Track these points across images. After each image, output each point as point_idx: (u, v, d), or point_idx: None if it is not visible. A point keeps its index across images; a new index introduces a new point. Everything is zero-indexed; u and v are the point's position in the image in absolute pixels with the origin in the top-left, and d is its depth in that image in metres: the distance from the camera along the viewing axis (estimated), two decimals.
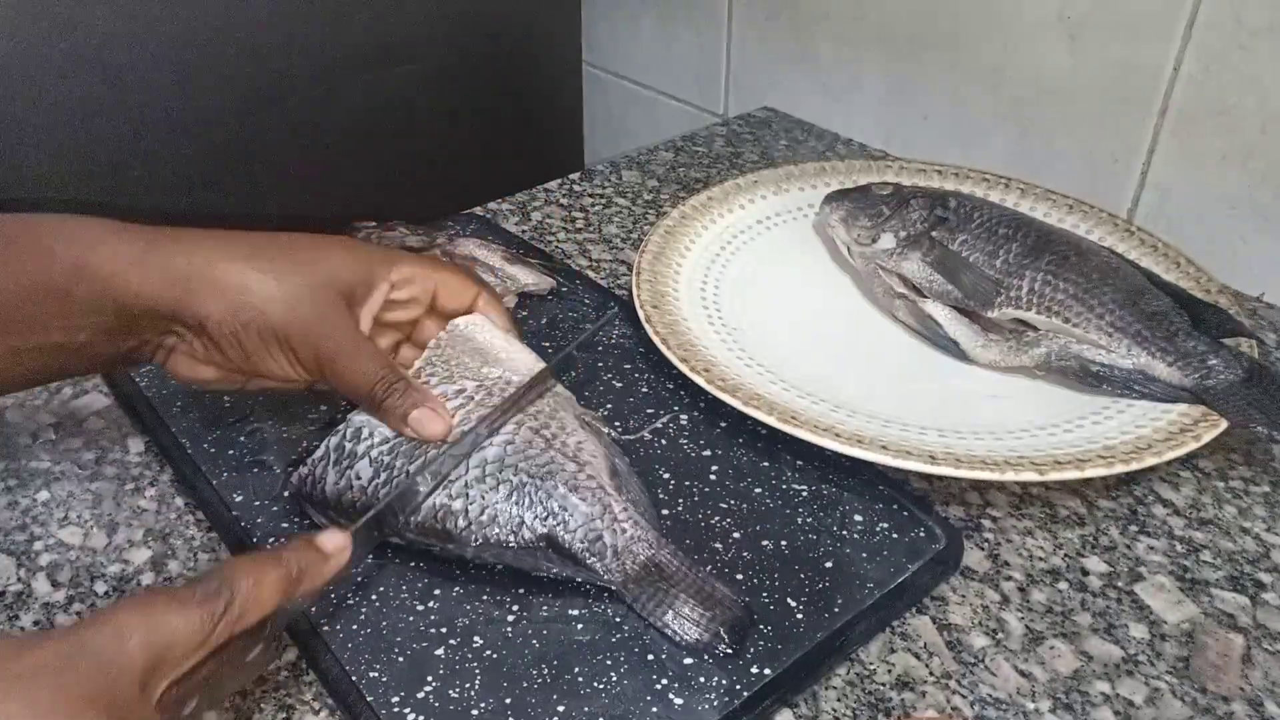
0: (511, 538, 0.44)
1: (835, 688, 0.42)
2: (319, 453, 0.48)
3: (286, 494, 0.49)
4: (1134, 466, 0.48)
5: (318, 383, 0.48)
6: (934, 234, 0.61)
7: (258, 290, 0.44)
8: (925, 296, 0.61)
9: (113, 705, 0.30)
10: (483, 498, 0.45)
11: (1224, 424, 0.51)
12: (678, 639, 0.42)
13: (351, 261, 0.47)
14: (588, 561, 0.44)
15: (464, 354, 0.50)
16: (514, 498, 0.45)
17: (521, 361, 0.50)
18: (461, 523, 0.45)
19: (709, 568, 0.46)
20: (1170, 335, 0.54)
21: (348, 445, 0.47)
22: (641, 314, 0.59)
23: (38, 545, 0.49)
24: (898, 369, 0.60)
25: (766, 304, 0.64)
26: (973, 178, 0.73)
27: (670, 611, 0.43)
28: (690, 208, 0.70)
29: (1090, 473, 0.47)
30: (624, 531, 0.44)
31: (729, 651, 0.41)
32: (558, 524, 0.44)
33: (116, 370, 0.58)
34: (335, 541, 0.39)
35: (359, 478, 0.46)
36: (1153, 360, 0.54)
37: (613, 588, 0.44)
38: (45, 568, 0.47)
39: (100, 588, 0.46)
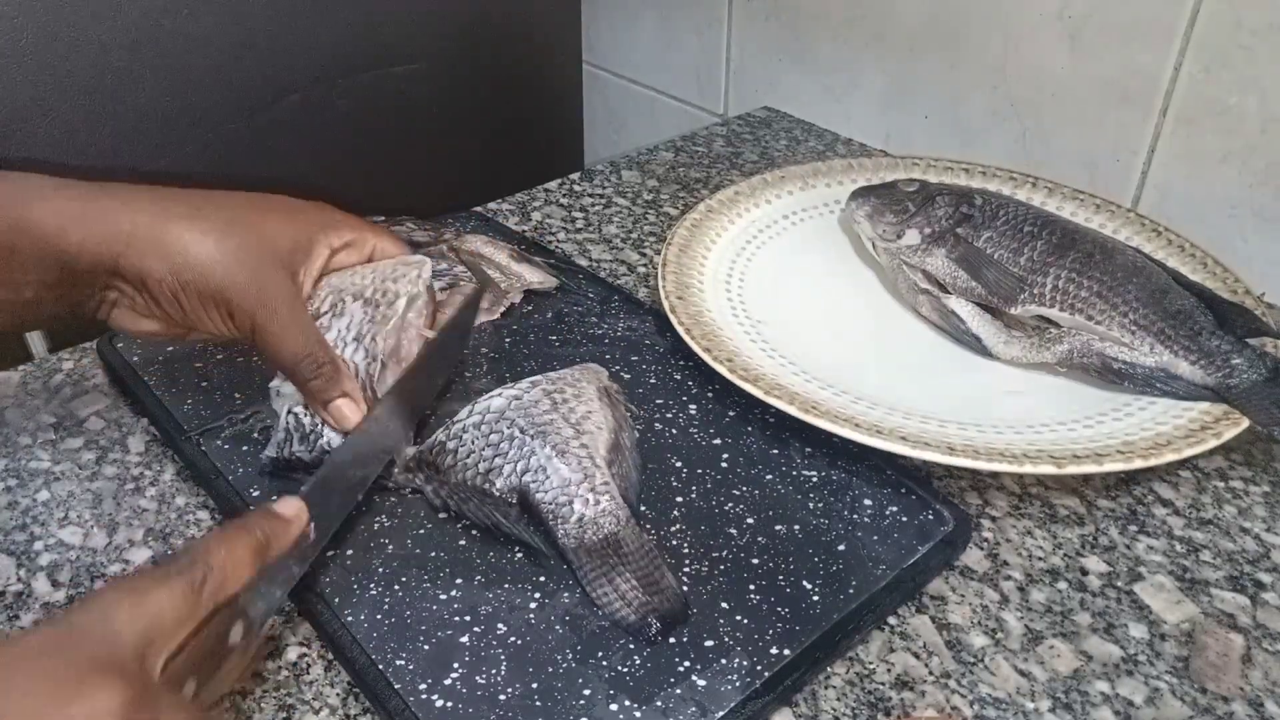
0: (487, 484, 0.46)
1: (835, 687, 0.42)
2: (280, 434, 0.50)
3: (267, 470, 0.51)
4: (1153, 462, 0.48)
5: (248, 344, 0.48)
6: (959, 230, 0.61)
7: (198, 252, 0.45)
8: (949, 292, 0.61)
9: (120, 672, 0.30)
10: (472, 442, 0.47)
11: (1245, 422, 0.51)
12: (606, 613, 0.43)
13: (291, 227, 0.48)
14: (549, 523, 0.45)
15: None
16: (501, 447, 0.47)
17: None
18: (449, 461, 0.47)
19: (725, 552, 0.47)
20: (1194, 334, 0.54)
21: (305, 421, 0.49)
22: (666, 304, 0.59)
23: (38, 545, 0.49)
24: (920, 364, 0.60)
25: (791, 297, 0.65)
26: (1000, 175, 0.73)
27: (609, 586, 0.44)
28: (717, 202, 0.70)
29: (1109, 467, 0.48)
30: (597, 503, 0.45)
31: (654, 639, 0.42)
32: (533, 480, 0.46)
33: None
34: (292, 506, 0.41)
35: (330, 445, 0.49)
36: (1175, 358, 0.54)
37: (567, 554, 0.45)
38: (45, 568, 0.47)
39: (100, 588, 0.46)
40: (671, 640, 0.42)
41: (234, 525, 0.38)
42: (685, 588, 0.44)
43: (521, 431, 0.47)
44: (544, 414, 0.48)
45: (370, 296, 0.50)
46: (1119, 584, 0.47)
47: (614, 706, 0.40)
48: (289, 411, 0.50)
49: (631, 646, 0.42)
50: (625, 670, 0.41)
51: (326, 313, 0.50)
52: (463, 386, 0.57)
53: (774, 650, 0.42)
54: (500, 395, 0.49)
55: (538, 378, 0.50)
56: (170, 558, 0.35)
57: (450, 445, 0.48)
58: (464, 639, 0.42)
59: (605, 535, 0.45)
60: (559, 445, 0.46)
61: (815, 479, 0.51)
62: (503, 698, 0.40)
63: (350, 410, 0.48)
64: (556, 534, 0.45)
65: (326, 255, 0.50)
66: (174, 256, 0.44)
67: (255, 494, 0.50)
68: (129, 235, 0.44)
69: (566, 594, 0.44)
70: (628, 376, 0.58)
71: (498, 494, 0.46)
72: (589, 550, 0.44)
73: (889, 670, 0.43)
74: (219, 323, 0.47)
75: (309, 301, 0.50)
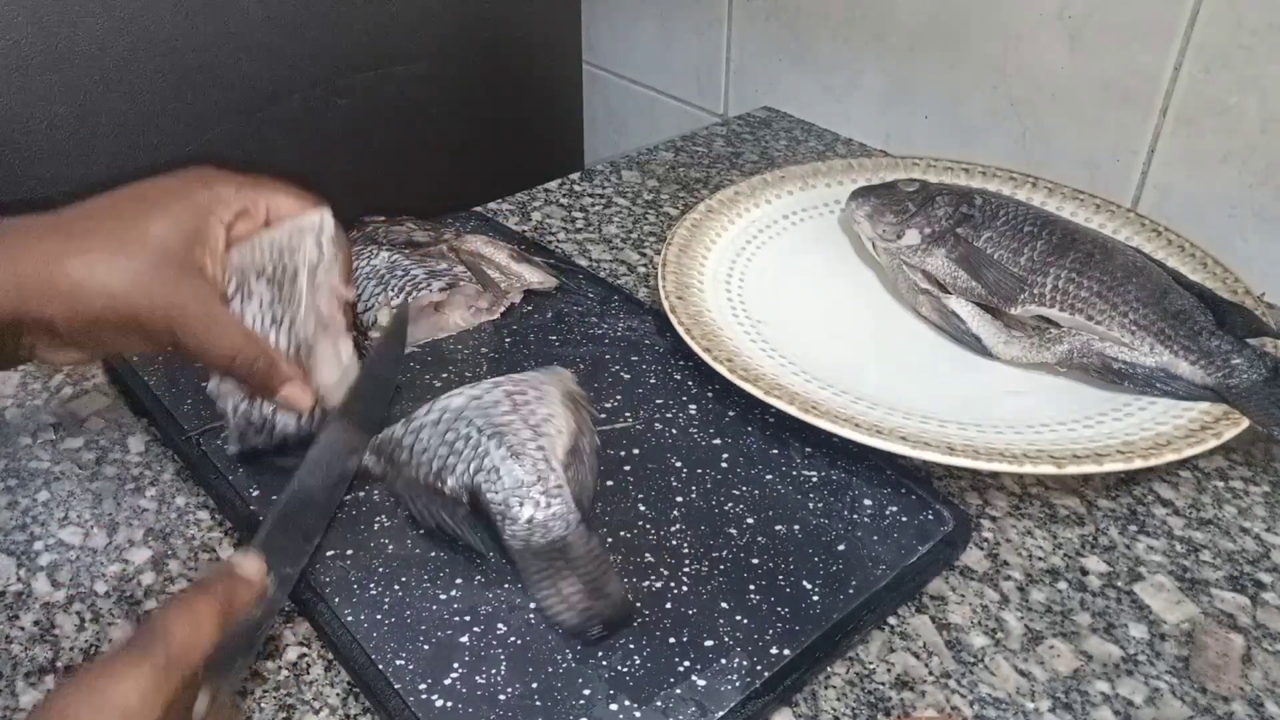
0: (439, 482, 0.46)
1: (835, 687, 0.42)
2: (234, 431, 0.50)
3: (239, 464, 0.51)
4: (1153, 462, 0.48)
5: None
6: (959, 231, 0.61)
7: (94, 285, 0.42)
8: (949, 292, 0.61)
9: None
10: (429, 439, 0.47)
11: (1245, 422, 0.51)
12: (547, 615, 0.43)
13: (178, 219, 0.45)
14: (498, 523, 0.45)
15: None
16: (456, 445, 0.46)
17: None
18: (404, 456, 0.47)
19: (725, 552, 0.47)
20: (1194, 334, 0.54)
21: (254, 415, 0.50)
22: (666, 304, 0.59)
23: (38, 545, 0.49)
24: (920, 364, 0.60)
25: (791, 298, 0.65)
26: (1000, 175, 0.73)
27: (552, 588, 0.43)
28: (717, 202, 0.71)
29: (1109, 467, 0.48)
30: (548, 506, 0.45)
31: (594, 640, 0.42)
32: (485, 480, 0.45)
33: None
34: (252, 564, 0.40)
35: (288, 430, 0.50)
36: (1175, 358, 0.54)
37: (511, 554, 0.45)
38: (45, 568, 0.47)
39: (100, 587, 0.46)
40: (671, 640, 0.42)
41: (194, 589, 0.37)
42: (685, 588, 0.44)
43: (479, 431, 0.46)
44: (503, 414, 0.47)
45: (273, 275, 0.49)
46: (1119, 584, 0.47)
47: (614, 706, 0.40)
48: (234, 408, 0.50)
49: (631, 646, 0.42)
50: (625, 670, 0.41)
51: (235, 295, 0.48)
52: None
53: (774, 650, 0.42)
54: (461, 394, 0.48)
55: (501, 378, 0.49)
56: (132, 636, 0.34)
57: (406, 441, 0.47)
58: (464, 639, 0.42)
59: (553, 539, 0.44)
60: (515, 446, 0.46)
61: (815, 479, 0.51)
62: (503, 698, 0.40)
63: (298, 393, 0.48)
64: (504, 534, 0.44)
65: (223, 233, 0.48)
66: (72, 298, 0.42)
67: (255, 493, 0.50)
68: (18, 285, 0.41)
69: None
70: (628, 377, 0.58)
71: (448, 493, 0.46)
72: (535, 553, 0.44)
73: (889, 670, 0.43)
74: (139, 344, 0.45)
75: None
